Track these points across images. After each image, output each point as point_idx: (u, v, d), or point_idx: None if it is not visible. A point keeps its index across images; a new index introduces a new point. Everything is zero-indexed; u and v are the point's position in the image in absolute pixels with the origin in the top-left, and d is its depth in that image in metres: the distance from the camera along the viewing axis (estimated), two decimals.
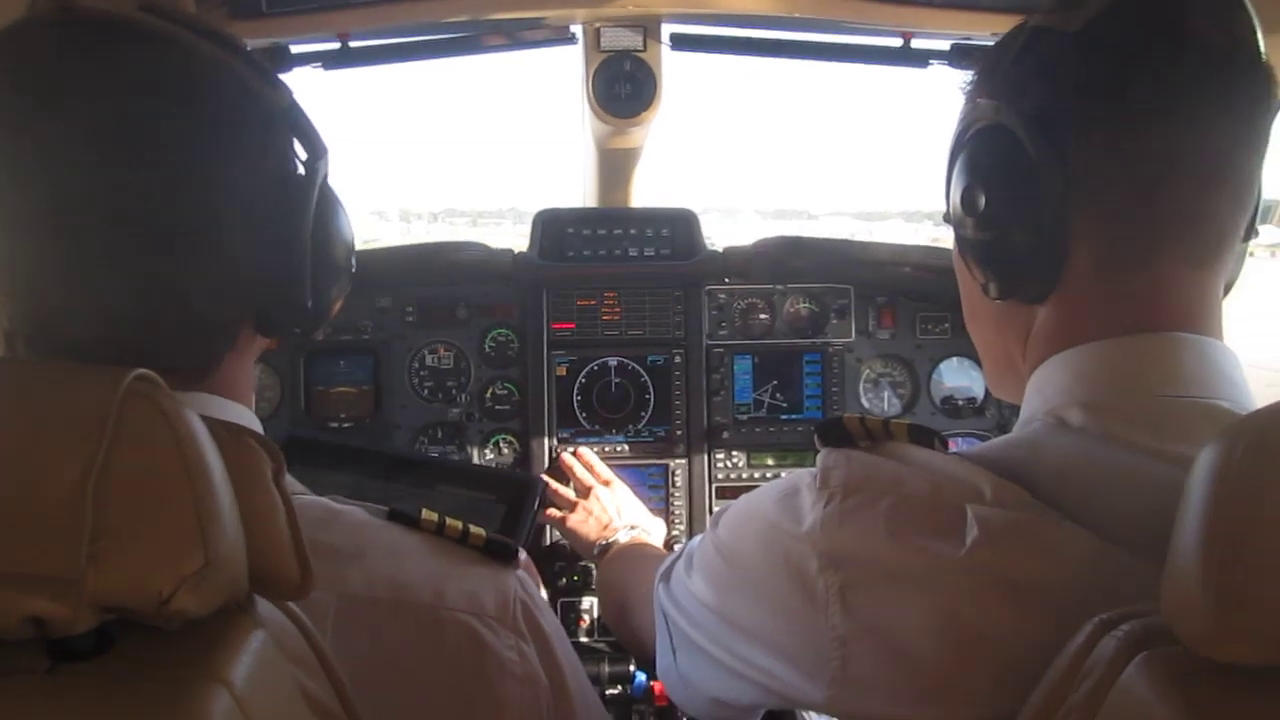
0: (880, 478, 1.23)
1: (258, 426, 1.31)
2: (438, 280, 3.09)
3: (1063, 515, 1.12)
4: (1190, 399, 1.20)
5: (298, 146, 1.29)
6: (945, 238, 1.53)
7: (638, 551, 2.45)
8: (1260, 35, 1.21)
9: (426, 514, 1.34)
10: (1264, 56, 1.21)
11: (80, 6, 1.14)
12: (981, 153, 1.30)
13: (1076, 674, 0.95)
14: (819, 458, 1.30)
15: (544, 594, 1.98)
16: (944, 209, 1.40)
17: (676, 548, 2.12)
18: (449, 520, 1.35)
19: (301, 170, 1.29)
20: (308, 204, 1.27)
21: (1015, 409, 1.45)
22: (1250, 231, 1.29)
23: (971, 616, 1.10)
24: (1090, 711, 0.92)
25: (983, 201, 1.29)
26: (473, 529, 1.36)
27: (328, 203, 1.31)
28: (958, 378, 3.23)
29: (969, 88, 1.39)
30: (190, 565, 0.82)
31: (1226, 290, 1.32)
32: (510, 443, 3.16)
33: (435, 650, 1.23)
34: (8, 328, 1.16)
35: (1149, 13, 1.21)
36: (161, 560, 0.81)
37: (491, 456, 3.16)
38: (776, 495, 1.33)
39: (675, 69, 2.85)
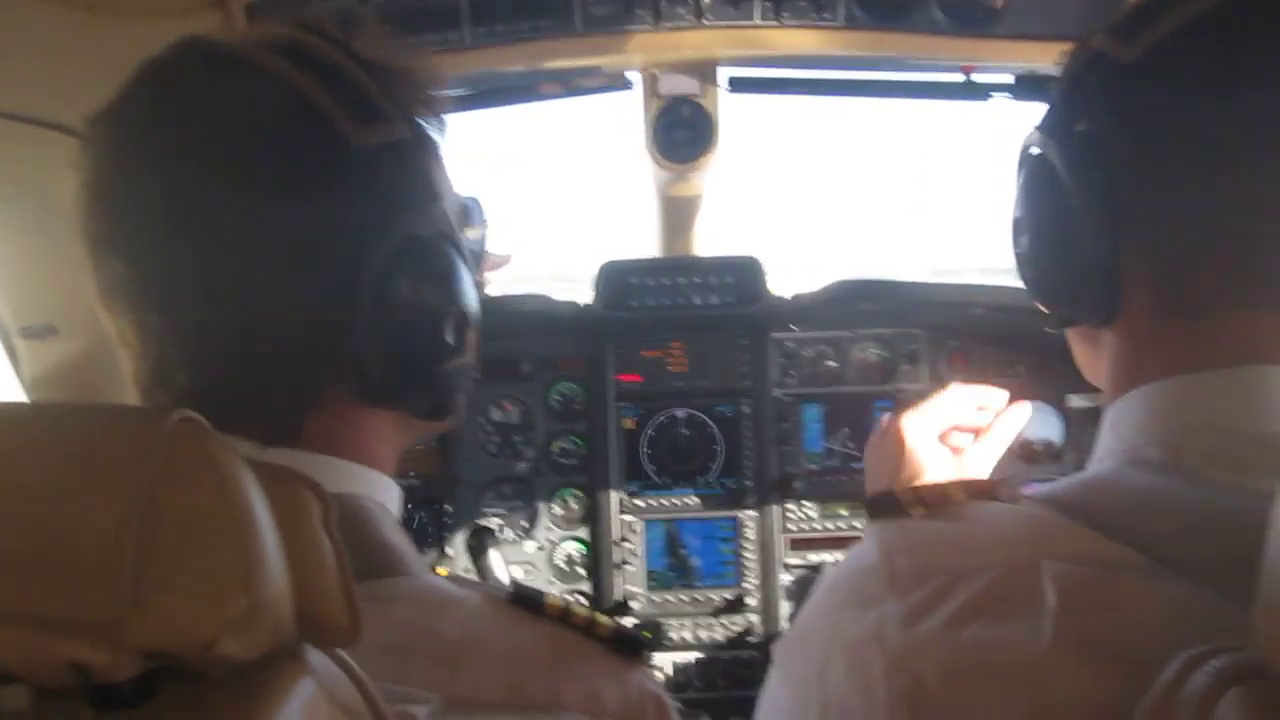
0: (946, 553, 1.15)
1: (383, 487, 1.28)
2: (501, 334, 3.08)
3: (1140, 556, 1.06)
4: (1275, 434, 1.13)
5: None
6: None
7: None
8: None
9: (550, 599, 1.26)
10: None
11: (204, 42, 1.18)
12: (1027, 183, 1.28)
13: (1165, 713, 0.90)
14: (875, 533, 1.23)
15: None
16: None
17: None
18: (574, 608, 1.26)
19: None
20: (379, 254, 1.18)
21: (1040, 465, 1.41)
22: None
23: (1055, 695, 1.02)
24: None
25: (1028, 233, 1.26)
26: (600, 618, 1.27)
27: (415, 259, 1.22)
28: (1034, 423, 3.15)
29: None
30: (234, 608, 0.79)
31: None
32: (578, 497, 3.14)
33: None
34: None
35: (1210, 45, 1.14)
36: (205, 603, 0.79)
37: (559, 511, 3.13)
38: (837, 589, 1.26)
39: (742, 118, 2.84)
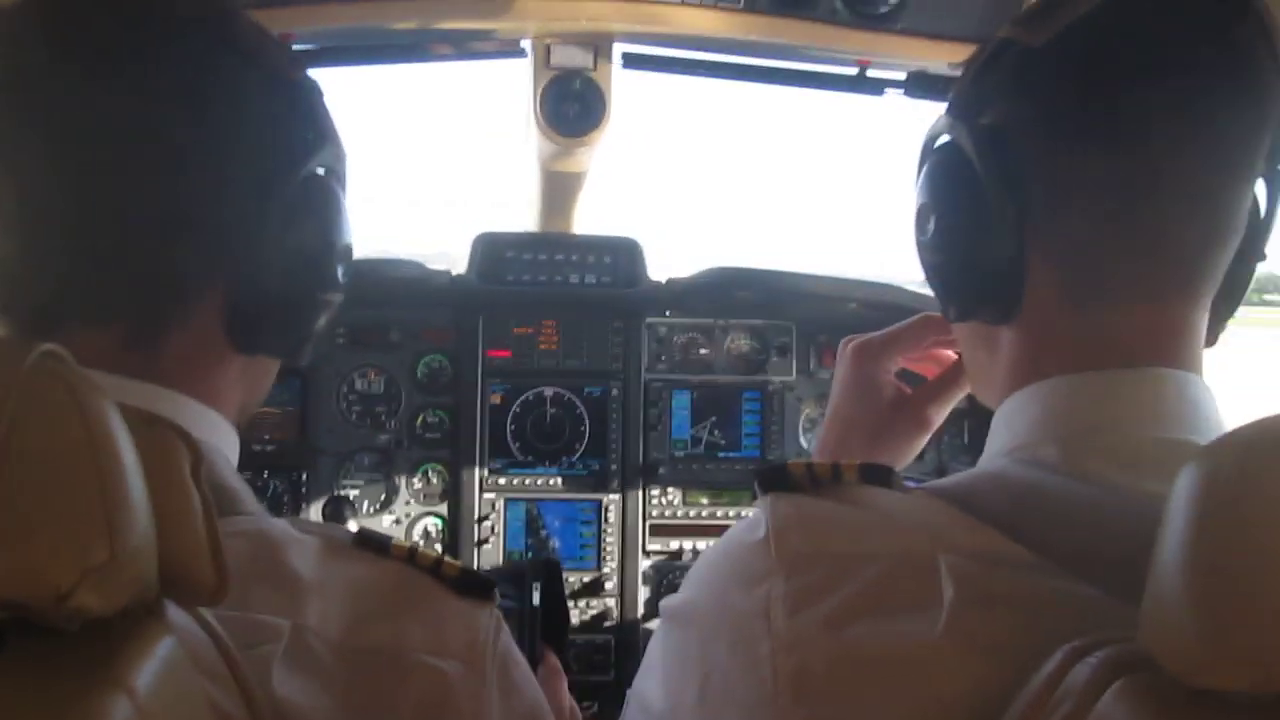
0: (840, 536, 1.12)
1: (218, 427, 1.25)
2: (371, 301, 3.01)
3: (1033, 553, 1.05)
4: (1170, 439, 1.13)
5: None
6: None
7: None
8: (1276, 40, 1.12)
9: (398, 542, 1.23)
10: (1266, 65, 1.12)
11: None
12: (934, 170, 1.26)
13: (1045, 705, 0.90)
14: (767, 506, 1.18)
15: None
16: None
17: None
18: (421, 549, 1.23)
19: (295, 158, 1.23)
20: (288, 184, 1.20)
21: (955, 454, 1.39)
22: (1252, 256, 1.22)
23: (943, 687, 1.01)
24: None
25: (933, 221, 1.24)
26: (447, 559, 1.24)
27: (317, 194, 1.25)
28: None
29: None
30: (94, 558, 0.73)
31: (1223, 321, 1.26)
32: (440, 472, 3.09)
33: (387, 691, 1.12)
34: None
35: (1124, 26, 1.14)
36: (62, 551, 0.73)
37: (419, 485, 3.08)
38: (724, 560, 1.23)
39: (636, 96, 2.82)
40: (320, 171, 1.25)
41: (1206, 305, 1.20)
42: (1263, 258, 1.23)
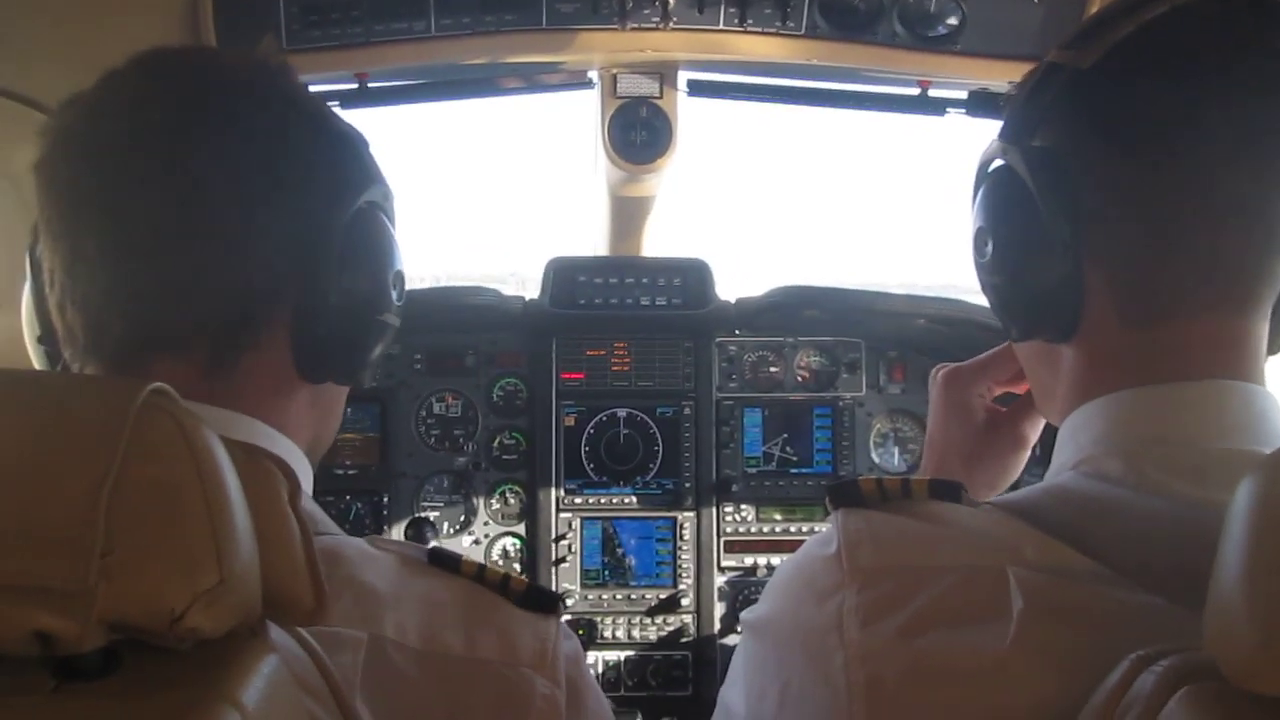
0: (911, 550, 1.15)
1: (291, 453, 1.30)
2: (447, 327, 3.07)
3: (1101, 565, 1.07)
4: (1235, 449, 1.14)
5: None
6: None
7: None
8: None
9: (467, 560, 1.29)
10: None
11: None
12: (989, 194, 1.27)
13: (1113, 712, 0.91)
14: (839, 522, 1.21)
15: None
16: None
17: None
18: (490, 567, 1.30)
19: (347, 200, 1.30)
20: (343, 218, 1.28)
21: (1028, 468, 1.39)
22: None
23: (1012, 699, 1.03)
24: None
25: (991, 243, 1.26)
26: (514, 577, 1.30)
27: (371, 227, 1.33)
28: None
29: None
30: (204, 582, 0.79)
31: None
32: (517, 493, 3.15)
33: (463, 700, 1.17)
34: (71, 339, 1.23)
35: (1169, 44, 1.15)
36: (175, 576, 0.78)
37: (497, 506, 3.14)
38: (799, 575, 1.26)
39: (701, 121, 2.86)
40: (368, 205, 1.32)
41: (1267, 314, 1.20)
42: None
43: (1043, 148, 1.21)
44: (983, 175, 1.30)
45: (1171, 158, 1.14)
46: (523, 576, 1.31)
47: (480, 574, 1.29)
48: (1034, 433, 1.66)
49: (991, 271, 1.27)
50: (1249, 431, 1.16)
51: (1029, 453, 1.68)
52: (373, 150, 1.37)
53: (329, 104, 1.35)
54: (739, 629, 2.28)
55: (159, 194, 1.18)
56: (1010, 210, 1.23)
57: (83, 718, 0.79)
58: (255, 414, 1.25)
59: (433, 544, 3.02)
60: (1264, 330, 1.20)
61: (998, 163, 1.26)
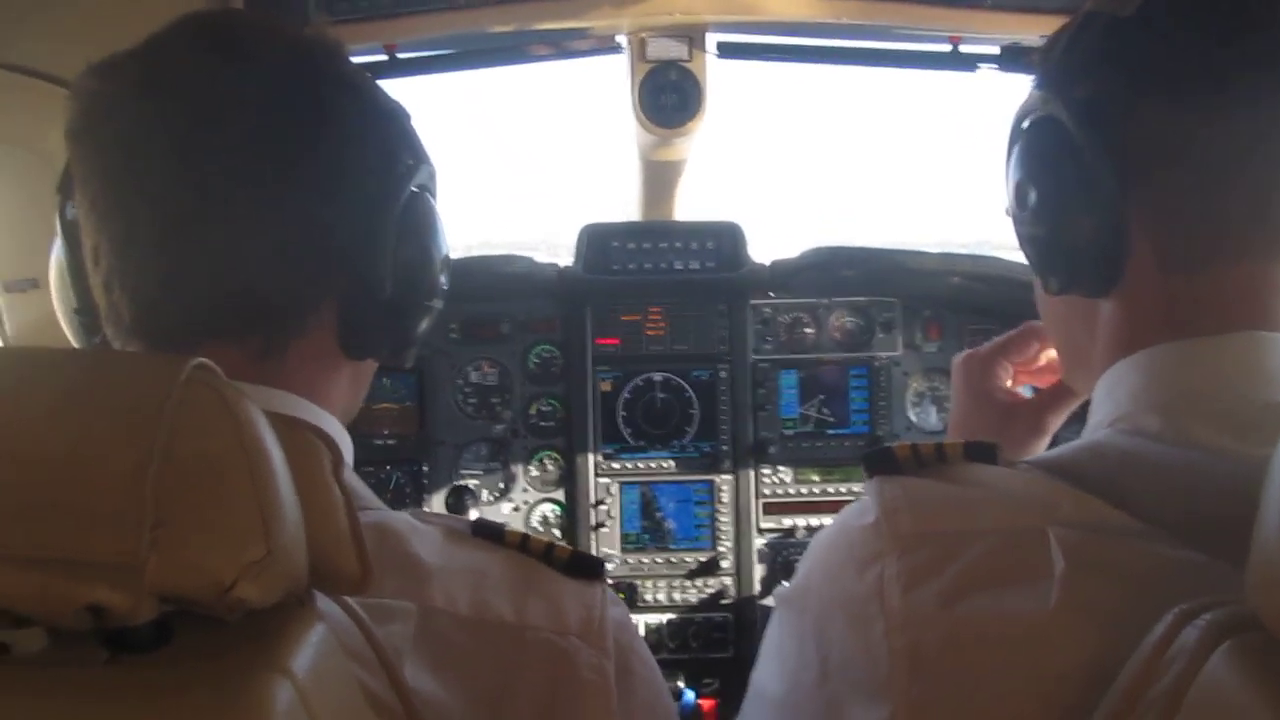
0: (949, 515, 1.15)
1: (335, 429, 1.31)
2: (481, 295, 3.08)
3: (1142, 522, 1.07)
4: (1274, 401, 1.13)
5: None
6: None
7: None
8: None
9: (510, 530, 1.31)
10: None
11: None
12: (1032, 145, 1.26)
13: (1157, 666, 0.92)
14: (875, 489, 1.21)
15: None
16: (1005, 205, 1.36)
17: None
18: (533, 537, 1.32)
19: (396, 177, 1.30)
20: (393, 203, 1.27)
21: (1065, 424, 1.38)
22: None
23: (1057, 661, 1.03)
24: (1174, 703, 0.88)
25: (1033, 195, 1.24)
26: (557, 545, 1.32)
27: (419, 211, 1.32)
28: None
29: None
30: (253, 554, 0.80)
31: None
32: (555, 459, 3.16)
33: (513, 668, 1.18)
34: (116, 318, 1.21)
35: None
36: (224, 548, 0.80)
37: (536, 473, 3.16)
38: (837, 544, 1.25)
39: (731, 82, 2.84)
40: (418, 189, 1.32)
41: None
42: None
43: (1086, 97, 1.19)
44: (1021, 128, 1.28)
45: (1220, 106, 1.13)
46: (565, 544, 1.32)
47: (524, 543, 1.30)
48: (1056, 422, 1.64)
49: (1034, 224, 1.26)
50: None
51: (1047, 440, 1.66)
52: (413, 123, 1.36)
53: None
54: (773, 601, 2.28)
55: (210, 183, 1.17)
56: (1056, 162, 1.22)
57: (137, 689, 0.80)
58: (299, 392, 1.26)
59: (473, 513, 3.04)
60: None
61: (1037, 114, 1.25)
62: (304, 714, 0.81)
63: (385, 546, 1.18)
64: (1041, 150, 1.25)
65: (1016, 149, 1.29)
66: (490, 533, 1.30)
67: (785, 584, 1.36)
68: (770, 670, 1.33)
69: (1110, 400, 1.24)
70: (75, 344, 1.38)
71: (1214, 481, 1.07)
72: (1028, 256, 1.31)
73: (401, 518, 1.27)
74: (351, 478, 1.26)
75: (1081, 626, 1.02)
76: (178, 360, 0.84)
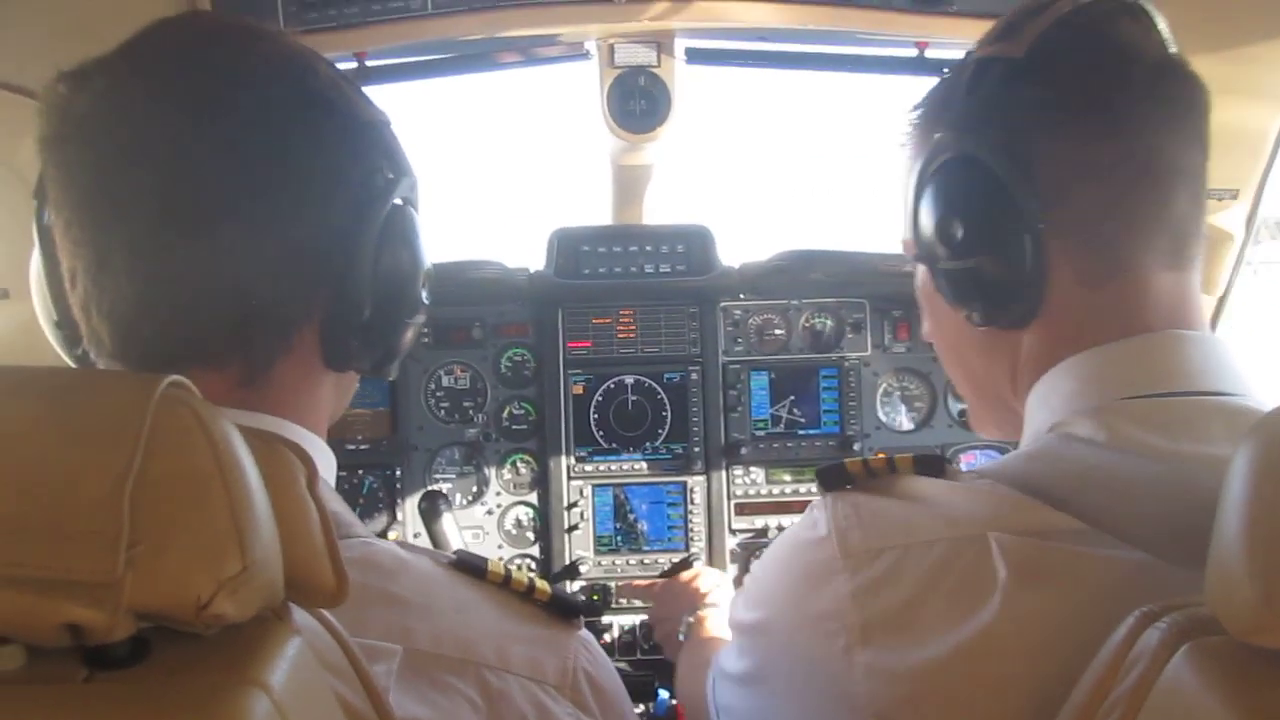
0: (897, 529, 1.22)
1: (316, 447, 1.31)
2: (453, 300, 3.09)
3: (1084, 524, 1.12)
4: (1198, 396, 1.21)
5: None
6: None
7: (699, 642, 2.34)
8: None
9: (493, 565, 1.32)
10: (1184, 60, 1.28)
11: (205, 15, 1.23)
12: (951, 184, 1.31)
13: (1120, 667, 0.94)
14: (828, 506, 1.29)
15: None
16: (910, 249, 1.42)
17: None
18: (515, 574, 1.33)
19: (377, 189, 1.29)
20: (374, 219, 1.26)
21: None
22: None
23: (1007, 669, 1.09)
24: (1136, 704, 0.91)
25: (960, 231, 1.29)
26: (538, 583, 1.34)
27: (401, 225, 1.31)
28: None
29: (917, 126, 1.42)
30: (229, 569, 0.81)
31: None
32: (528, 462, 3.17)
33: (496, 712, 1.19)
34: (96, 342, 1.20)
35: (1086, 33, 1.26)
36: (200, 564, 0.80)
37: (509, 476, 3.16)
38: (792, 562, 1.33)
39: (700, 88, 2.86)
40: (401, 203, 1.31)
41: (1199, 273, 1.31)
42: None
43: (996, 134, 1.27)
44: (936, 168, 1.33)
45: (1119, 129, 1.24)
46: (544, 583, 1.34)
47: (506, 581, 1.32)
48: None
49: (960, 259, 1.31)
50: (1211, 376, 1.23)
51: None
52: (396, 132, 1.35)
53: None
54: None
55: (184, 207, 1.16)
56: (979, 199, 1.28)
57: (115, 706, 0.81)
58: (285, 413, 1.25)
59: (447, 517, 3.02)
60: (1197, 281, 1.31)
61: (950, 156, 1.31)
62: None
63: (372, 583, 1.19)
64: (965, 190, 1.30)
65: (931, 190, 1.33)
66: (473, 569, 1.32)
67: (741, 609, 1.41)
68: (729, 689, 1.39)
69: (1045, 408, 1.30)
70: (60, 353, 1.37)
71: (1147, 482, 1.12)
72: (949, 293, 1.36)
73: (387, 549, 1.27)
74: (336, 502, 1.27)
75: (1026, 632, 1.08)
76: (153, 378, 0.84)
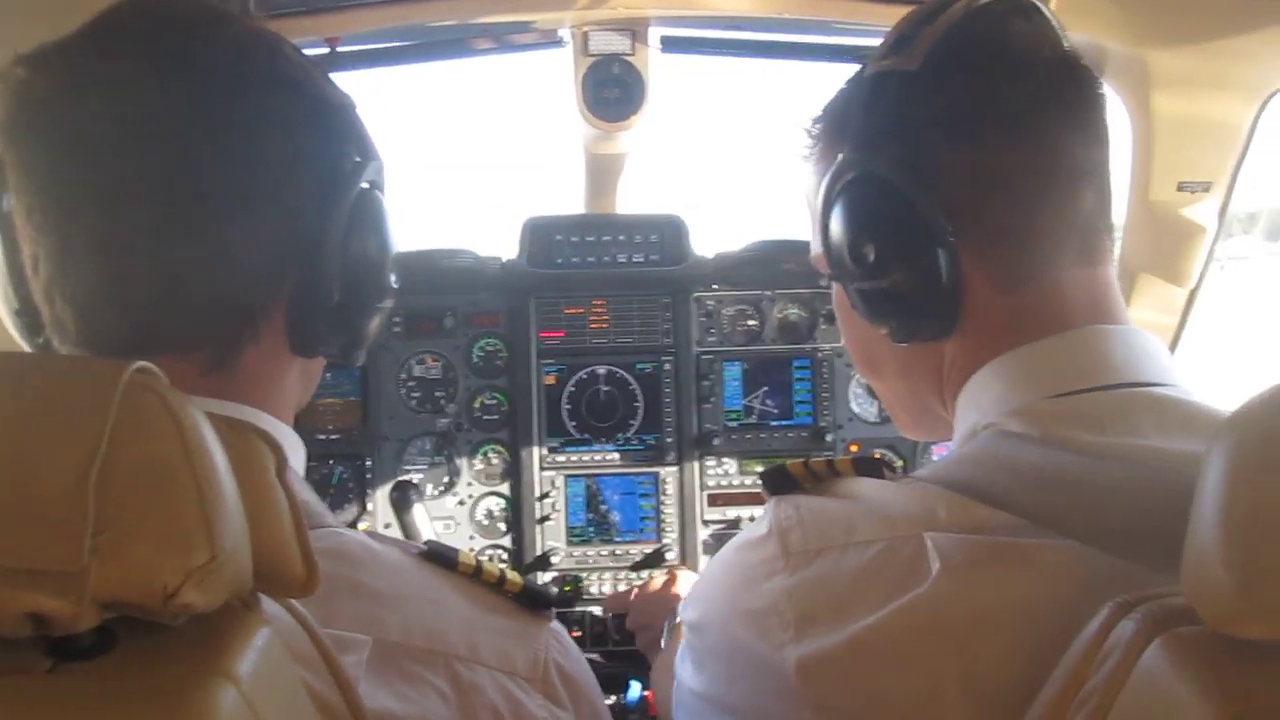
0: (836, 530, 1.23)
1: (284, 434, 1.29)
2: (424, 289, 3.07)
3: (1024, 522, 1.13)
4: (1125, 388, 1.22)
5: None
6: None
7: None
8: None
9: (463, 556, 1.31)
10: (1079, 57, 1.29)
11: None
12: (858, 204, 1.31)
13: (1094, 658, 0.95)
14: (771, 509, 1.31)
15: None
16: (822, 264, 1.42)
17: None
18: (485, 565, 1.32)
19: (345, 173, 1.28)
20: (342, 203, 1.25)
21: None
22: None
23: (941, 664, 1.10)
24: (1110, 694, 0.92)
25: (871, 250, 1.29)
26: (509, 575, 1.33)
27: (369, 209, 1.29)
28: None
29: (817, 144, 1.43)
30: (196, 559, 0.79)
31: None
32: (499, 453, 3.15)
33: (469, 691, 1.19)
34: (60, 330, 1.18)
35: (977, 39, 1.25)
36: (167, 553, 0.79)
37: (481, 466, 3.14)
38: (737, 563, 1.35)
39: (676, 77, 2.85)
40: (367, 189, 1.30)
41: (1112, 267, 1.32)
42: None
43: (899, 149, 1.27)
44: (841, 187, 1.32)
45: (1018, 134, 1.25)
46: (516, 575, 1.33)
47: (477, 572, 1.31)
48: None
49: (874, 277, 1.31)
50: (1136, 368, 1.25)
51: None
52: (362, 115, 1.33)
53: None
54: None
55: (150, 191, 1.14)
56: (889, 216, 1.28)
57: (80, 697, 0.79)
58: (253, 400, 1.24)
59: (418, 507, 3.01)
60: (1113, 275, 1.32)
61: (855, 175, 1.30)
62: (250, 718, 0.81)
63: (342, 573, 1.18)
64: (872, 210, 1.30)
65: (839, 210, 1.33)
66: (444, 560, 1.31)
67: (690, 606, 1.43)
68: (687, 671, 1.41)
69: (975, 409, 1.31)
70: (20, 342, 1.34)
71: (1077, 475, 1.14)
72: (865, 311, 1.35)
73: (357, 539, 1.26)
74: (306, 492, 1.26)
75: (957, 628, 1.10)
76: (119, 364, 0.83)
